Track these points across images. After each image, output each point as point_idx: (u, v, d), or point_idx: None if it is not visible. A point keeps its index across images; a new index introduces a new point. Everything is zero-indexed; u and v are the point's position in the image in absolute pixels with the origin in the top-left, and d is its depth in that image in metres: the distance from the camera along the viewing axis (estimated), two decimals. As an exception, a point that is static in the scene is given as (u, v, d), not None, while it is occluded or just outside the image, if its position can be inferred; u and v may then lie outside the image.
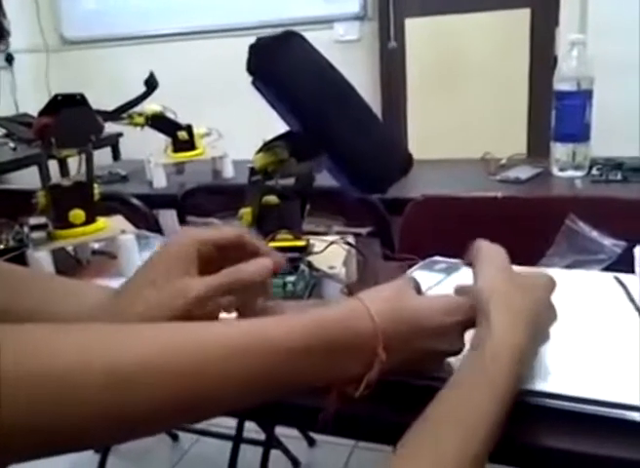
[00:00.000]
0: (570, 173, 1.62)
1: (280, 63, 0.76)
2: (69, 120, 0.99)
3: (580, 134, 1.61)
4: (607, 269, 0.90)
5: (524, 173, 1.65)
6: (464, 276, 0.63)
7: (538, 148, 2.69)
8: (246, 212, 0.85)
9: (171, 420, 0.46)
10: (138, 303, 0.57)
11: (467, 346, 0.55)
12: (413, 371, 0.58)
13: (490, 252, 0.61)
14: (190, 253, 0.59)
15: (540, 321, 0.57)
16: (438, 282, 0.68)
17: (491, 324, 0.53)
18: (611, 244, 0.93)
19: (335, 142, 0.77)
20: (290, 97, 0.75)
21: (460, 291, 0.59)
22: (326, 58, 0.79)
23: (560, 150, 1.63)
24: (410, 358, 0.54)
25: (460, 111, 3.01)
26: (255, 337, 0.47)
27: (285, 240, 0.83)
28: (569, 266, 0.93)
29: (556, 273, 0.87)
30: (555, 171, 1.64)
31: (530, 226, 1.13)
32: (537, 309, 0.57)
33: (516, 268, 0.62)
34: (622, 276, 0.82)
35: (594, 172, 1.61)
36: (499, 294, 0.56)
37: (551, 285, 0.61)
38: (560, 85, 1.60)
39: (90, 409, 0.40)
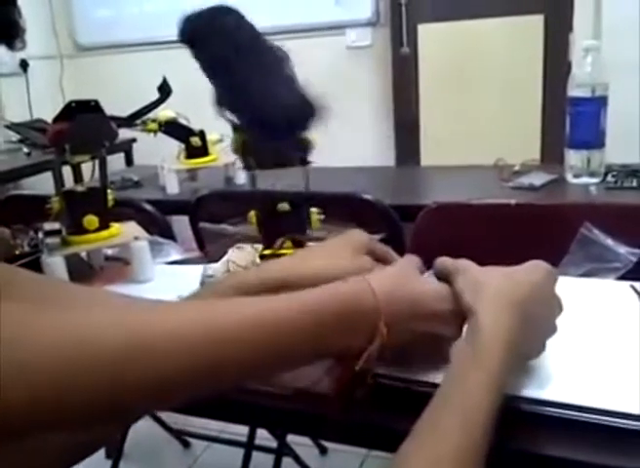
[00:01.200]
0: (584, 179, 1.61)
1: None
2: (84, 126, 1.00)
3: (594, 140, 1.60)
4: (622, 278, 0.89)
5: (538, 179, 1.64)
6: None
7: (551, 155, 2.68)
8: (251, 214, 0.85)
9: (193, 387, 0.47)
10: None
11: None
12: (413, 355, 0.61)
13: (460, 262, 0.62)
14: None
15: (533, 309, 0.57)
16: None
17: (478, 316, 0.54)
18: (626, 252, 0.92)
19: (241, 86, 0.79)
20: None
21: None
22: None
23: (574, 157, 1.62)
24: (408, 338, 0.57)
25: (473, 117, 3.01)
26: (267, 310, 0.50)
27: (297, 246, 0.83)
28: (584, 275, 0.92)
29: (571, 282, 0.87)
30: (570, 177, 1.63)
31: (544, 234, 1.13)
32: (528, 298, 0.57)
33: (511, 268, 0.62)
34: (638, 285, 0.81)
35: (609, 178, 1.60)
36: (483, 287, 0.57)
37: (549, 276, 0.61)
38: (574, 91, 1.59)
39: (111, 378, 0.41)
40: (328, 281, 0.56)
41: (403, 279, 0.57)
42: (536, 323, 0.58)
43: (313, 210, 0.86)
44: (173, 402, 0.51)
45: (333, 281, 0.59)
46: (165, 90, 1.43)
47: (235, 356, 0.47)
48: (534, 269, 0.61)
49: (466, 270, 0.60)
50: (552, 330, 0.60)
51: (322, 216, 0.88)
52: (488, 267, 0.61)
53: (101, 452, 1.78)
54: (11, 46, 0.53)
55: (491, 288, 0.57)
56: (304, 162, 0.84)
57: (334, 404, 0.59)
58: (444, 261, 0.62)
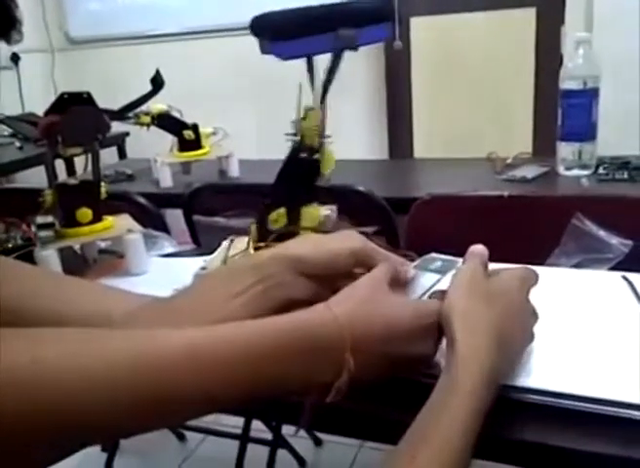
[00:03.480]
0: (576, 172, 1.62)
1: None
2: (76, 118, 0.99)
3: (586, 132, 1.61)
4: (614, 268, 0.89)
5: (530, 172, 1.65)
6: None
7: (544, 147, 2.68)
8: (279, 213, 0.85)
9: (130, 427, 0.44)
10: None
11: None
12: (387, 377, 0.56)
13: (463, 273, 0.60)
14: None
15: (508, 331, 0.56)
16: (433, 284, 0.67)
17: (455, 347, 0.53)
18: (618, 243, 0.93)
19: None
20: None
21: (437, 295, 0.59)
22: None
23: (566, 149, 1.63)
24: (382, 363, 0.53)
25: (466, 110, 3.01)
26: (212, 342, 0.45)
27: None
28: (576, 266, 0.92)
29: (563, 273, 0.87)
30: (561, 170, 1.64)
31: (536, 225, 1.13)
32: (503, 320, 0.56)
33: (491, 266, 0.62)
34: (630, 275, 0.82)
35: (601, 171, 1.60)
36: (461, 315, 0.55)
37: (526, 284, 0.60)
38: (566, 84, 1.59)
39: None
40: (340, 261, 0.56)
41: (372, 303, 0.53)
42: (511, 338, 0.57)
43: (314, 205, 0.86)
44: (91, 438, 0.43)
45: (346, 261, 0.59)
46: (158, 82, 1.42)
47: (163, 393, 0.42)
48: (508, 281, 0.60)
49: (454, 283, 0.58)
50: (529, 340, 0.61)
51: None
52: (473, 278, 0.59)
53: (97, 446, 1.78)
54: (8, 40, 0.52)
55: (469, 313, 0.55)
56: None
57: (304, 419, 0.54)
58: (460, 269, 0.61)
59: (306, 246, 0.62)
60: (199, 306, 0.58)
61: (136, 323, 0.58)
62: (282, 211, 0.85)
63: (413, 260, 0.71)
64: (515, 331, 0.58)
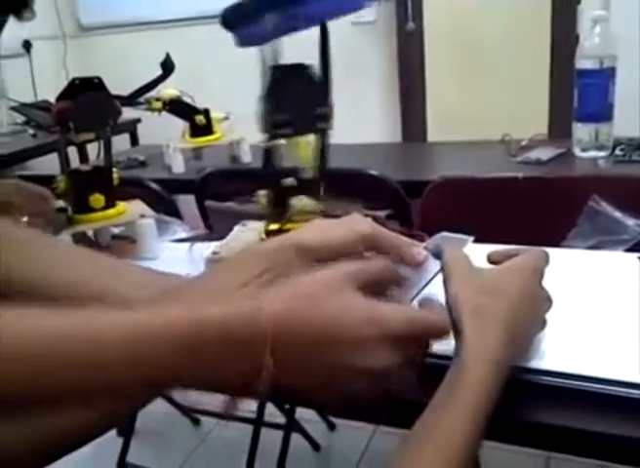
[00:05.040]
0: (592, 153, 1.60)
1: None
2: (87, 104, 0.99)
3: (602, 113, 1.58)
4: (630, 250, 0.88)
5: (545, 154, 1.63)
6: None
7: (559, 129, 2.65)
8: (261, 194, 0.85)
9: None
10: None
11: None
12: (332, 390, 0.49)
13: (455, 262, 0.59)
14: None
15: (518, 321, 0.56)
16: (434, 276, 0.65)
17: (464, 340, 0.53)
18: (634, 224, 0.92)
19: None
20: None
21: (425, 303, 0.55)
22: None
23: (582, 130, 1.60)
24: (315, 369, 0.47)
25: (480, 92, 2.97)
26: (132, 326, 0.42)
27: (302, 221, 0.83)
28: (592, 247, 0.91)
29: (579, 254, 0.86)
30: (577, 151, 1.62)
31: (552, 207, 1.12)
32: (513, 311, 0.55)
33: (507, 247, 0.61)
34: (647, 256, 0.81)
35: (617, 152, 1.58)
36: (470, 310, 0.54)
37: (537, 270, 0.59)
38: (582, 63, 1.57)
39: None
40: (349, 246, 0.56)
41: (313, 300, 0.47)
42: (522, 330, 0.57)
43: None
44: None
45: (355, 246, 0.58)
46: (168, 66, 1.42)
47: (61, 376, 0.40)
48: (518, 270, 0.59)
49: (455, 276, 0.57)
50: (541, 327, 0.60)
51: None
52: (474, 272, 0.59)
53: (113, 431, 1.80)
54: (20, 16, 0.51)
55: (478, 306, 0.55)
56: (323, 132, 0.82)
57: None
58: (447, 258, 0.60)
59: (313, 232, 0.61)
60: (206, 294, 0.57)
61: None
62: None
63: (423, 240, 0.70)
64: (526, 320, 0.57)
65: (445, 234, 0.73)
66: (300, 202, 0.82)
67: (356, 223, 0.62)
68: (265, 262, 0.58)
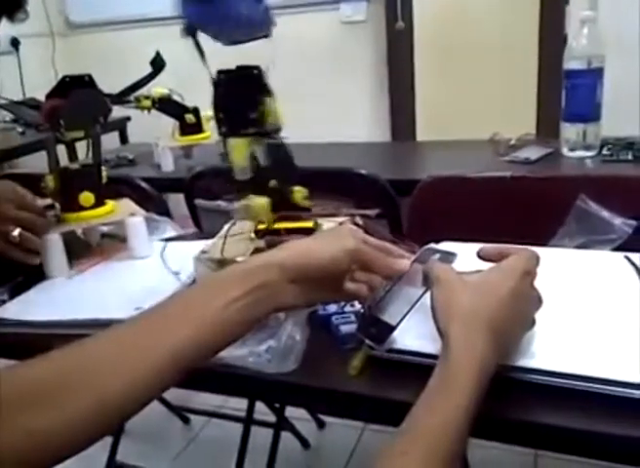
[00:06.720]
0: (580, 153, 1.61)
1: None
2: (78, 101, 0.99)
3: (590, 113, 1.59)
4: (618, 249, 0.89)
5: (534, 153, 1.64)
6: (459, 267, 0.63)
7: (547, 128, 2.67)
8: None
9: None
10: None
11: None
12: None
13: (440, 268, 0.61)
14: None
15: (504, 322, 0.57)
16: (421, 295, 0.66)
17: (449, 341, 0.54)
18: (621, 223, 0.92)
19: None
20: None
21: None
22: None
23: (570, 130, 1.61)
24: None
25: (469, 91, 2.99)
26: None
27: (293, 221, 0.83)
28: (579, 246, 0.92)
29: (567, 253, 0.87)
30: (565, 151, 1.63)
31: (540, 207, 1.13)
32: (499, 311, 0.56)
33: (498, 245, 0.62)
34: (633, 255, 0.82)
35: (605, 151, 1.59)
36: (455, 311, 0.56)
37: (527, 271, 0.60)
38: (570, 63, 1.58)
39: None
40: (335, 264, 0.60)
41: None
42: (509, 329, 0.58)
43: (297, 188, 0.84)
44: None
45: (340, 264, 0.61)
46: (158, 64, 1.41)
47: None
48: (509, 272, 0.60)
49: (441, 283, 0.59)
50: (528, 327, 0.61)
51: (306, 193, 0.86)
52: (464, 274, 0.61)
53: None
54: (12, 18, 0.51)
55: (463, 307, 0.56)
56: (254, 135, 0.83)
57: None
58: (430, 266, 0.63)
59: (298, 252, 0.62)
60: (189, 313, 0.56)
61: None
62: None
63: (413, 250, 0.71)
64: (512, 319, 0.58)
65: (433, 246, 0.72)
66: (252, 201, 0.83)
67: (342, 238, 0.63)
68: (248, 283, 0.58)
